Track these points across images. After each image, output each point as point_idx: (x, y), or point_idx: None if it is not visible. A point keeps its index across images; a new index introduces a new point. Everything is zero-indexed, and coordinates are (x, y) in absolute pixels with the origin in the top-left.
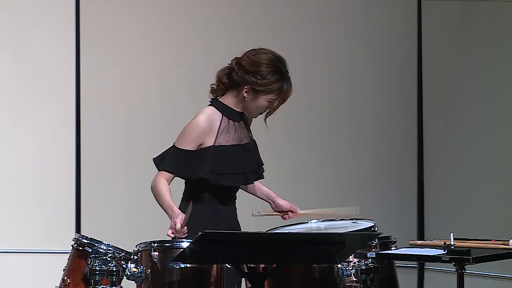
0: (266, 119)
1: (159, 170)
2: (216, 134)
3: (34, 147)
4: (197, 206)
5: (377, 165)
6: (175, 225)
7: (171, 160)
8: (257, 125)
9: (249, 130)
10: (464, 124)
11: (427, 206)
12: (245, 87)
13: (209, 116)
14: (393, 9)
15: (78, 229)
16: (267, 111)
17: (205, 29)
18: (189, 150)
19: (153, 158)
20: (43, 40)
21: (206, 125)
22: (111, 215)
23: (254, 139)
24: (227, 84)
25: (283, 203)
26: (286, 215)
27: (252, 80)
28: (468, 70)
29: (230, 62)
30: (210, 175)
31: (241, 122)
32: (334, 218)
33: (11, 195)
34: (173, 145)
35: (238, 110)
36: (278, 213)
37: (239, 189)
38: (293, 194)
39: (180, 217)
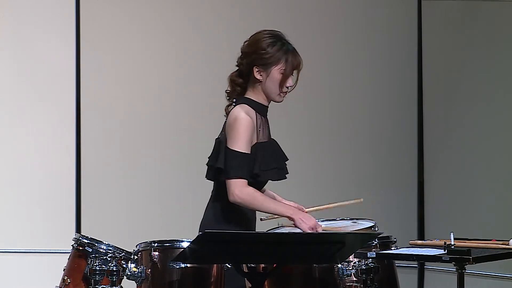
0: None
1: (235, 177)
2: (256, 131)
3: (34, 147)
4: (229, 205)
5: (377, 165)
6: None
7: (238, 166)
8: None
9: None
10: (464, 124)
11: (427, 206)
12: (255, 68)
13: (248, 113)
14: (393, 9)
15: (78, 229)
16: (289, 89)
17: (205, 29)
18: (247, 152)
19: (217, 166)
20: (43, 40)
21: (252, 122)
22: (111, 215)
23: None
24: (242, 82)
25: (289, 204)
26: None
27: (257, 57)
28: (468, 70)
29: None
30: (260, 172)
31: (266, 117)
32: (335, 218)
33: (11, 195)
34: (232, 150)
35: (264, 104)
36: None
37: None
38: (293, 193)
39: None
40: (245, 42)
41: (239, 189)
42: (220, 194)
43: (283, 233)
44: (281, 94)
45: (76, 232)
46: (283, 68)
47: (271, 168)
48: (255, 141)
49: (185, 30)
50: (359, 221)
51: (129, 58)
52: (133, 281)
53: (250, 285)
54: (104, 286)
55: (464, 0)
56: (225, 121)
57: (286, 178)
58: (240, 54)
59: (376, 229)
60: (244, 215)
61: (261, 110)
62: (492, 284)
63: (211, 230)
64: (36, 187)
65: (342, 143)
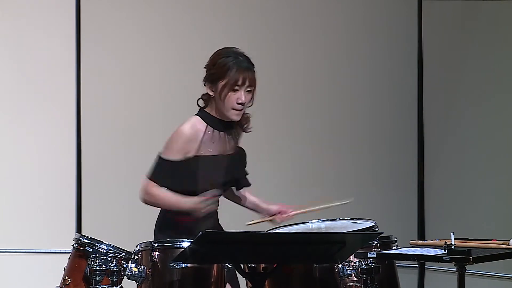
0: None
1: (147, 178)
2: (199, 144)
3: (34, 146)
4: (167, 212)
5: (378, 165)
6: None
7: (157, 171)
8: (259, 125)
9: (237, 141)
10: (464, 123)
11: (428, 205)
12: (206, 84)
13: (194, 125)
14: (393, 9)
15: (78, 229)
16: (240, 106)
17: (207, 28)
18: (175, 161)
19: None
20: (44, 39)
21: (190, 133)
22: (112, 215)
23: (243, 149)
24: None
25: (271, 207)
26: (276, 217)
27: (207, 73)
28: (469, 69)
29: None
30: (193, 186)
31: (227, 132)
32: (335, 218)
33: (12, 195)
34: (158, 156)
35: (222, 119)
36: (270, 218)
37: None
38: (293, 194)
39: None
40: None
41: (144, 189)
42: None
43: (283, 232)
44: (234, 110)
45: (77, 232)
46: (228, 83)
47: (202, 183)
48: (193, 153)
49: (186, 30)
50: (360, 221)
51: (129, 58)
52: (134, 281)
53: (250, 285)
54: (105, 286)
55: (465, 0)
56: None
57: (224, 193)
58: None
59: (377, 229)
60: (181, 222)
61: (215, 124)
62: (493, 284)
63: (158, 237)
64: (36, 187)
65: (342, 143)
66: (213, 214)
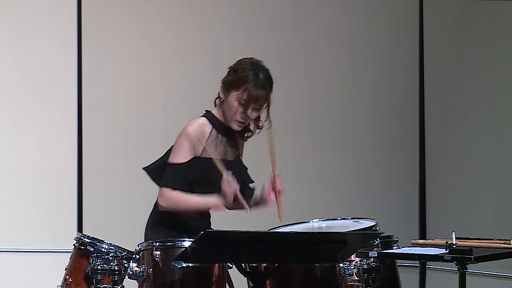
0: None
1: (161, 187)
2: (204, 145)
3: (36, 146)
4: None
5: (379, 164)
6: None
7: (169, 178)
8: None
9: (237, 148)
10: (466, 123)
11: (429, 205)
12: (221, 86)
13: (201, 126)
14: (395, 8)
15: (80, 228)
16: (244, 120)
17: (209, 31)
18: (183, 163)
19: (145, 169)
20: (45, 39)
21: (197, 134)
22: (113, 214)
23: (240, 159)
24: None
25: (263, 195)
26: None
27: (225, 77)
28: (470, 69)
29: None
30: (193, 185)
31: (228, 138)
32: (336, 218)
33: (13, 195)
34: (167, 163)
35: (225, 123)
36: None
37: None
38: (294, 194)
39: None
40: None
41: (163, 197)
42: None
43: (284, 232)
44: (236, 121)
45: (78, 231)
46: (240, 96)
47: (205, 185)
48: (199, 155)
49: (187, 30)
50: (361, 221)
51: (130, 58)
52: (135, 281)
53: (252, 285)
54: (106, 286)
55: None
56: None
57: None
58: None
59: (378, 229)
60: (177, 219)
61: (220, 127)
62: (494, 284)
63: (148, 235)
64: (37, 187)
65: (344, 143)
66: (206, 224)
